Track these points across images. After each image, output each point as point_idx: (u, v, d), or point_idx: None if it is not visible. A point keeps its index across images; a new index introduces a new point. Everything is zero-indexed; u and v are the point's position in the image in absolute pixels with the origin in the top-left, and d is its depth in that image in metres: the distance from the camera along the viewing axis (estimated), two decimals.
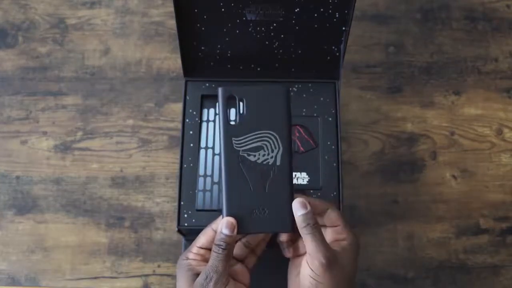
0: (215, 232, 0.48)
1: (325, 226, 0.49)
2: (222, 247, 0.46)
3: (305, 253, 0.47)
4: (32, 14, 0.83)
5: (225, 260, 0.46)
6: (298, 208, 0.46)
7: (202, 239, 0.48)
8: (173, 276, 0.70)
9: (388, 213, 0.72)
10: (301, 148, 0.61)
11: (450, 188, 0.74)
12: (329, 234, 0.49)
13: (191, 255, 0.48)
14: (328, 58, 0.62)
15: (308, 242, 0.45)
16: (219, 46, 0.61)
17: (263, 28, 0.59)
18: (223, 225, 0.46)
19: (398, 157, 0.75)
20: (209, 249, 0.48)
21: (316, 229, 0.45)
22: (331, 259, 0.45)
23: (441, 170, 0.75)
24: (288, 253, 0.49)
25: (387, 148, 0.75)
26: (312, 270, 0.45)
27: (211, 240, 0.48)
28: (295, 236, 0.49)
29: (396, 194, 0.73)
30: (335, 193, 0.59)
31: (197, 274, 0.46)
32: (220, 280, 0.45)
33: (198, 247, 0.48)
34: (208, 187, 0.59)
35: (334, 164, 0.60)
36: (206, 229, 0.49)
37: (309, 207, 0.46)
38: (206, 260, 0.48)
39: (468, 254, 0.71)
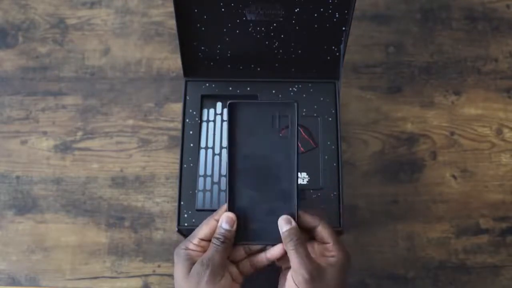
0: (217, 222, 0.48)
1: (314, 240, 0.49)
2: (221, 240, 0.47)
3: None
4: (32, 14, 0.83)
5: (223, 252, 0.47)
6: (282, 224, 0.47)
7: (205, 230, 0.49)
8: (173, 276, 0.70)
9: (388, 213, 0.72)
10: (301, 148, 0.61)
11: (450, 188, 0.74)
12: (317, 250, 0.49)
13: (191, 246, 0.48)
14: (328, 58, 0.62)
15: (292, 257, 0.46)
16: (219, 46, 0.61)
17: (263, 28, 0.59)
18: (223, 220, 0.47)
19: (398, 157, 0.75)
20: (210, 241, 0.49)
21: (300, 244, 0.46)
22: (315, 274, 0.45)
23: (441, 170, 0.75)
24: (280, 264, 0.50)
25: (387, 148, 0.75)
26: (296, 284, 0.46)
27: (213, 232, 0.48)
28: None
29: (396, 194, 0.73)
30: (335, 193, 0.59)
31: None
32: (216, 271, 0.46)
33: (200, 238, 0.49)
34: (208, 187, 0.59)
35: (334, 164, 0.60)
36: (208, 219, 0.49)
37: (293, 223, 0.47)
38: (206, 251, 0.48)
39: (468, 254, 0.71)
